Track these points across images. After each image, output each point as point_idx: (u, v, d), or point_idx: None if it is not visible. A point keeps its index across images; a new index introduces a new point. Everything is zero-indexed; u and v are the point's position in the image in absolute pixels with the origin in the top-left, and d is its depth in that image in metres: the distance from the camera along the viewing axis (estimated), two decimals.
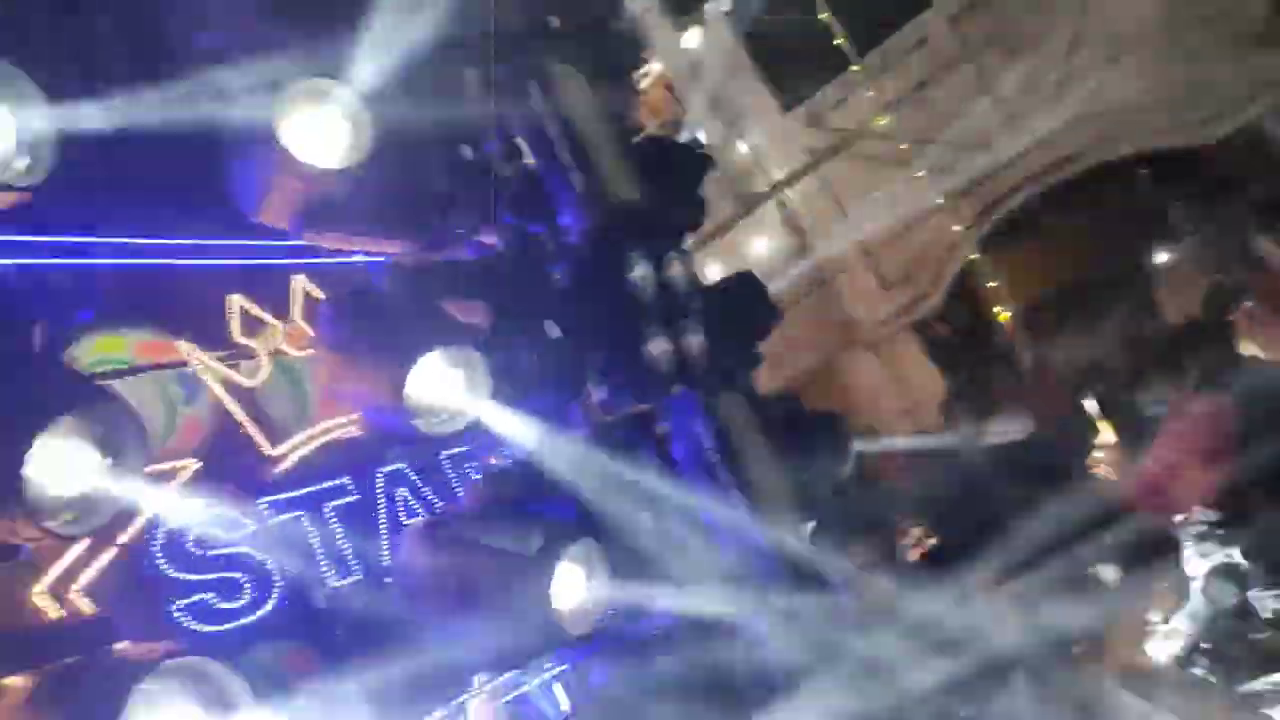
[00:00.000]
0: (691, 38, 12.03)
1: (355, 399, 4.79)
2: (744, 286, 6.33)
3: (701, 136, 11.63)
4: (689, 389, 5.45)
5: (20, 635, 3.06)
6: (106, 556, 3.80)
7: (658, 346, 5.38)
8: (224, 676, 2.60)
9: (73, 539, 3.43)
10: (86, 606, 3.72)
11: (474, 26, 5.54)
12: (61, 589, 3.66)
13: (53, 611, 3.63)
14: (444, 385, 3.94)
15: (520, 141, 5.45)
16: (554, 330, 4.99)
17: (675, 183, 6.26)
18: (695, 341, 5.56)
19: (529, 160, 5.48)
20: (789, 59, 12.65)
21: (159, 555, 4.00)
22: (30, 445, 2.30)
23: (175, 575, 4.04)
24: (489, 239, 5.51)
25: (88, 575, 3.74)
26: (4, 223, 3.81)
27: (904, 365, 13.33)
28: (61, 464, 2.40)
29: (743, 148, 12.74)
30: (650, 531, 5.10)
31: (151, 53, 3.97)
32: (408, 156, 4.70)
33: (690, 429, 5.49)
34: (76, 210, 4.19)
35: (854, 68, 11.96)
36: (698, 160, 7.09)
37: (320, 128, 4.05)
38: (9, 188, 3.31)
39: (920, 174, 11.95)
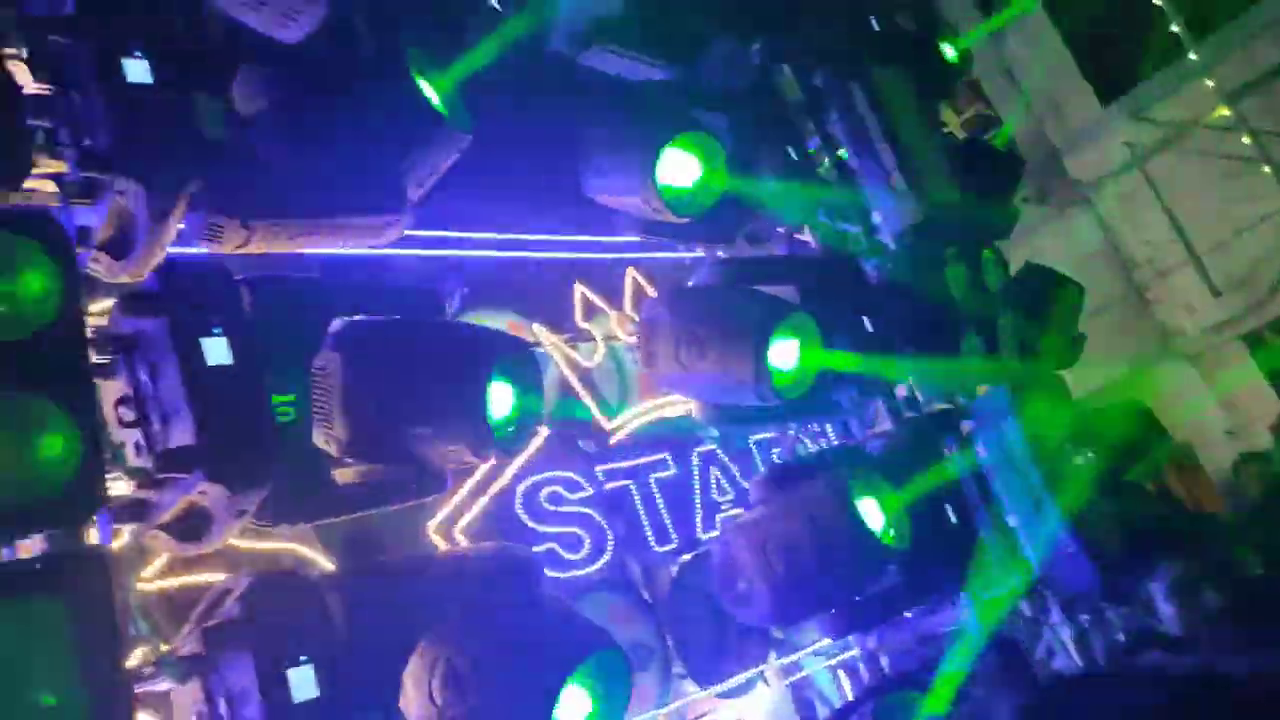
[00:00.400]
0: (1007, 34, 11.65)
1: (678, 382, 5.23)
2: (1044, 277, 6.21)
3: (1013, 134, 11.24)
4: (1000, 389, 5.44)
5: (424, 562, 3.73)
6: (481, 503, 4.50)
7: (969, 346, 5.42)
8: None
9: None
10: (465, 544, 4.44)
11: (796, 28, 5.84)
12: (448, 527, 4.40)
13: (441, 545, 4.37)
14: (781, 353, 4.19)
15: (839, 141, 5.68)
16: (866, 325, 5.17)
17: (990, 183, 6.24)
18: (1007, 342, 5.55)
19: (847, 159, 5.69)
20: (1110, 47, 11.90)
21: (520, 506, 4.67)
22: (487, 381, 2.84)
23: (531, 525, 4.70)
24: (804, 235, 5.80)
25: (468, 517, 4.46)
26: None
27: (1231, 381, 12.14)
28: (496, 400, 2.92)
29: (1058, 144, 12.14)
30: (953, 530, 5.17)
31: (538, 74, 4.57)
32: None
33: (999, 429, 5.48)
34: (461, 205, 4.92)
35: (1190, 56, 11.05)
36: (1012, 160, 7.00)
37: (687, 172, 4.42)
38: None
39: (1265, 170, 10.85)
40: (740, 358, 4.04)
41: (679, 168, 4.33)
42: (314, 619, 2.62)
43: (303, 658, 2.54)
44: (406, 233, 4.39)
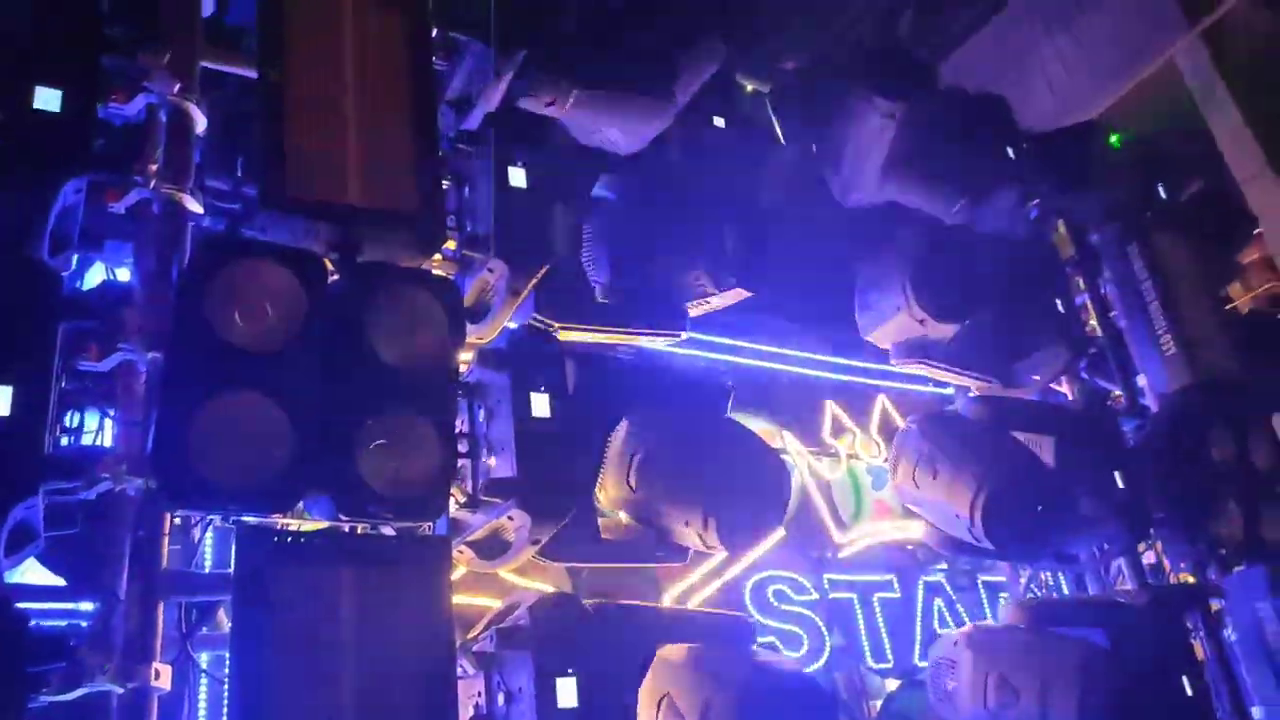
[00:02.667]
0: None
1: (908, 497, 5.37)
2: None
3: None
4: (1257, 568, 5.22)
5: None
6: (715, 585, 4.89)
7: (1227, 521, 5.26)
8: None
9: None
10: None
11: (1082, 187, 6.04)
12: (682, 601, 4.81)
13: None
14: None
15: (1110, 300, 5.77)
16: (1117, 481, 5.15)
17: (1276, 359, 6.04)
18: (1274, 521, 5.33)
19: (1117, 318, 5.77)
20: None
21: (748, 597, 5.00)
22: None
23: (756, 617, 5.00)
24: (1061, 386, 5.87)
25: (699, 596, 4.86)
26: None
27: None
28: None
29: None
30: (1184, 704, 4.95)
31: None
32: (1001, 306, 5.30)
33: (1251, 611, 5.23)
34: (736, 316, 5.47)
35: None
36: None
37: None
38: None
39: None
40: (963, 490, 4.27)
41: None
42: (584, 638, 3.09)
43: (570, 670, 3.00)
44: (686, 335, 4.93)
